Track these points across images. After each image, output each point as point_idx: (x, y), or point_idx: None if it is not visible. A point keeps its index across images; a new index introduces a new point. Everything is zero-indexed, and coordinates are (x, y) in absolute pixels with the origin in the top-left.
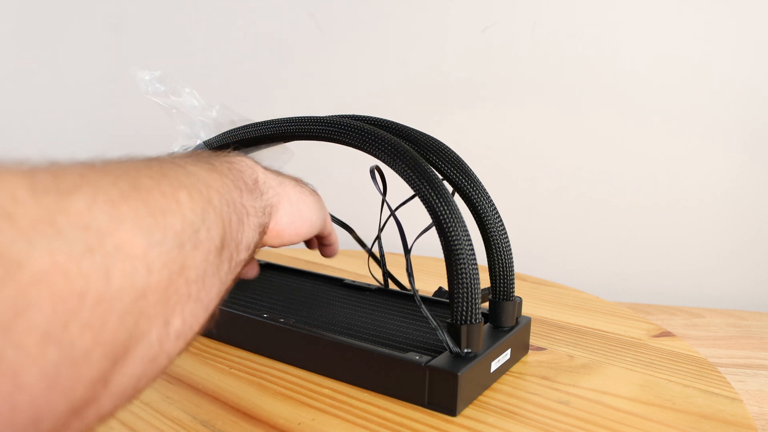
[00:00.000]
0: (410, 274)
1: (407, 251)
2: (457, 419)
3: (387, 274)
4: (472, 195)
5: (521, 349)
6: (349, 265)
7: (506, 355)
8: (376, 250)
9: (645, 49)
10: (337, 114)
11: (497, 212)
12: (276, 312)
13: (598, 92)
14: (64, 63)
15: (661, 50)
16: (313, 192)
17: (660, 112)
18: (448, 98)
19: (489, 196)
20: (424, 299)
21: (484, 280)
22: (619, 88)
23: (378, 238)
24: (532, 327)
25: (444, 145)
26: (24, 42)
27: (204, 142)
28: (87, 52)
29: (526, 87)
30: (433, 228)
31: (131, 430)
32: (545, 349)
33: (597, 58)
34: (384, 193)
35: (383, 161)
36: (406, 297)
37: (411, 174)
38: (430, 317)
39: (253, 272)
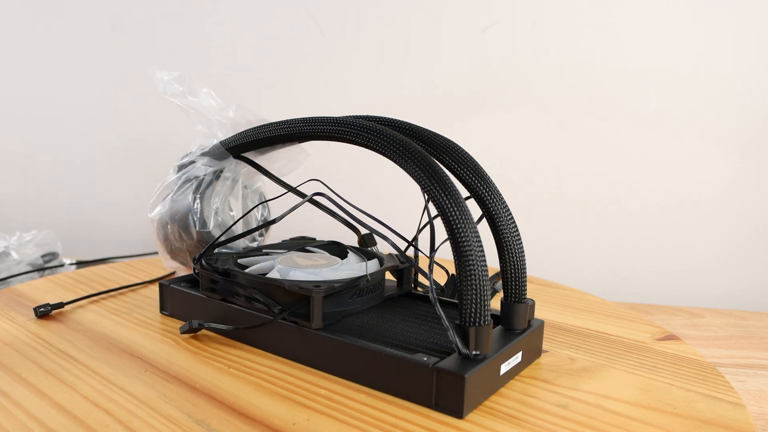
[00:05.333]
0: (431, 272)
1: (432, 251)
2: (452, 422)
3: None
4: (485, 197)
5: (533, 352)
6: None
7: (517, 358)
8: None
9: (645, 49)
10: (351, 114)
11: (511, 215)
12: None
13: (597, 93)
14: (71, 63)
15: (661, 50)
16: None
17: (660, 112)
18: (448, 99)
19: (503, 198)
20: (441, 301)
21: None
22: (618, 88)
23: (414, 241)
24: None
25: (458, 146)
26: (26, 43)
27: (221, 142)
28: (94, 52)
29: (526, 87)
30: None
31: (127, 428)
32: (547, 351)
33: (597, 59)
34: (427, 201)
35: (395, 161)
36: (419, 298)
37: (422, 175)
38: (444, 317)
39: None
